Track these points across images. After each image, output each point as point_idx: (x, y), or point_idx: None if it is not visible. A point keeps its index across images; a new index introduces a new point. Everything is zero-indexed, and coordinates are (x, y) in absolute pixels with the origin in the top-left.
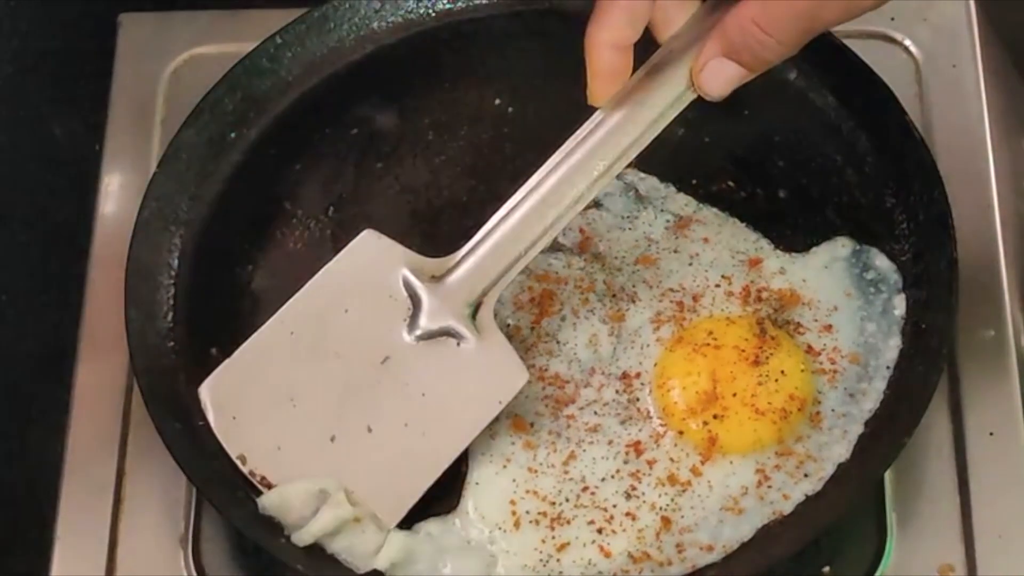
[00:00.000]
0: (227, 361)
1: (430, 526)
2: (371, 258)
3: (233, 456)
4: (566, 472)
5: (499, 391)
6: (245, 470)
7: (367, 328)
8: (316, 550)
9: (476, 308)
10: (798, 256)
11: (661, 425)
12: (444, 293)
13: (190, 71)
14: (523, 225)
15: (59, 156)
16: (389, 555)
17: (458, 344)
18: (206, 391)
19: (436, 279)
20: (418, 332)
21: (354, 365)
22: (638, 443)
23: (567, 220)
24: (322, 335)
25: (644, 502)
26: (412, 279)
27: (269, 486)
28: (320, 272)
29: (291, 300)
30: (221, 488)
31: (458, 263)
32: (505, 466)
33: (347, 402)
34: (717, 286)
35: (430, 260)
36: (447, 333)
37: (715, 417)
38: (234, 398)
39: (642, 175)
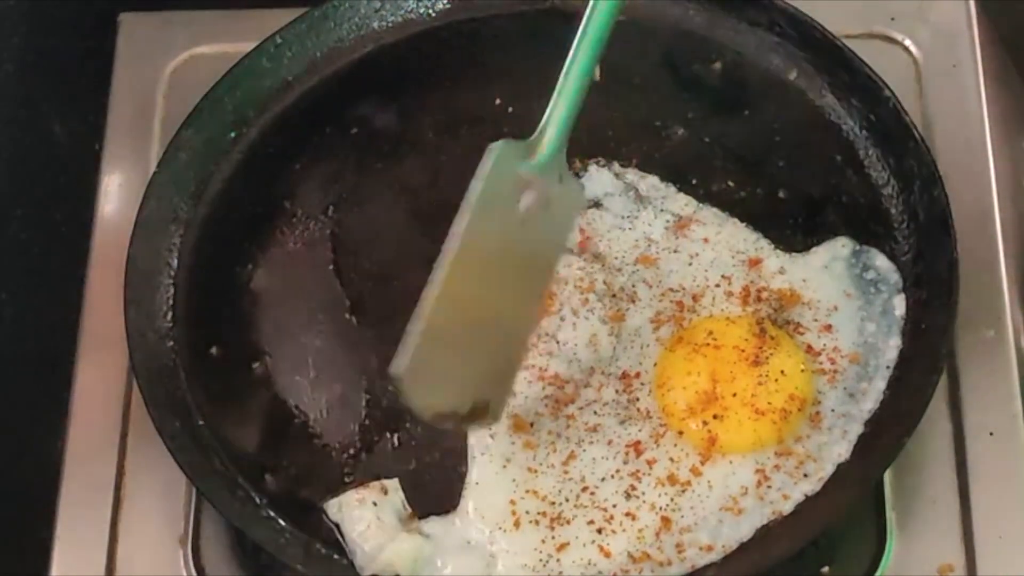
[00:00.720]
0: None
1: (430, 526)
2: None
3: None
4: (566, 472)
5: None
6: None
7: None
8: (315, 550)
9: None
10: (798, 256)
11: (661, 425)
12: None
13: (190, 70)
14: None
15: (59, 155)
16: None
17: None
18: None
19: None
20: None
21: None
22: (638, 443)
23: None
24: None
25: (644, 502)
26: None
27: None
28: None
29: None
30: (221, 488)
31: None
32: (505, 466)
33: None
34: (717, 286)
35: (525, 143)
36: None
37: (715, 417)
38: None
39: (642, 175)
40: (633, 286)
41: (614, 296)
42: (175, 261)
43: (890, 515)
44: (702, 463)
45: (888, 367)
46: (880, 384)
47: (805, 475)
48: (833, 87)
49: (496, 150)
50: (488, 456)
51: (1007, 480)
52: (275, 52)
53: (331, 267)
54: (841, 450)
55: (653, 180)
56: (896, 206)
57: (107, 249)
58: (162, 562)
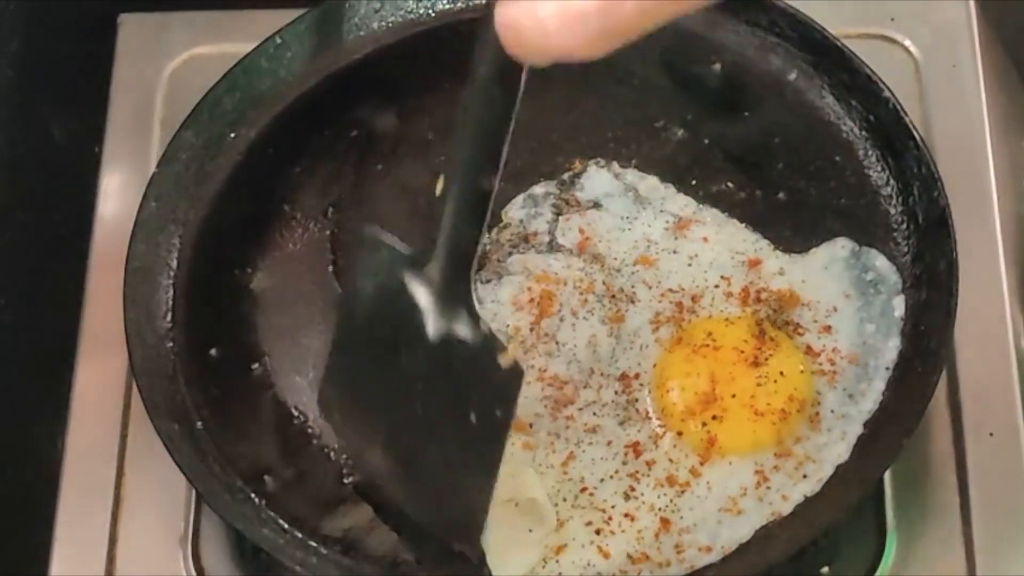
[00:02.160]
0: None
1: None
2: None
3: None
4: (565, 473)
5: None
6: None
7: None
8: (315, 550)
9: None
10: (797, 257)
11: (660, 426)
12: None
13: (189, 71)
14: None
15: (58, 156)
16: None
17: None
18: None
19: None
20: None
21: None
22: (637, 444)
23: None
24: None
25: (643, 503)
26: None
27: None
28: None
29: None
30: (220, 489)
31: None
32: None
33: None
34: (716, 287)
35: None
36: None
37: (714, 418)
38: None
39: (642, 175)
40: (632, 287)
41: (613, 297)
42: (175, 262)
43: (890, 516)
44: (701, 464)
45: (888, 368)
46: (880, 385)
47: (804, 476)
48: (833, 88)
49: (378, 248)
50: None
51: (1007, 480)
52: (275, 53)
53: (330, 268)
54: (840, 451)
55: (653, 181)
56: (896, 207)
57: (107, 250)
58: (162, 562)
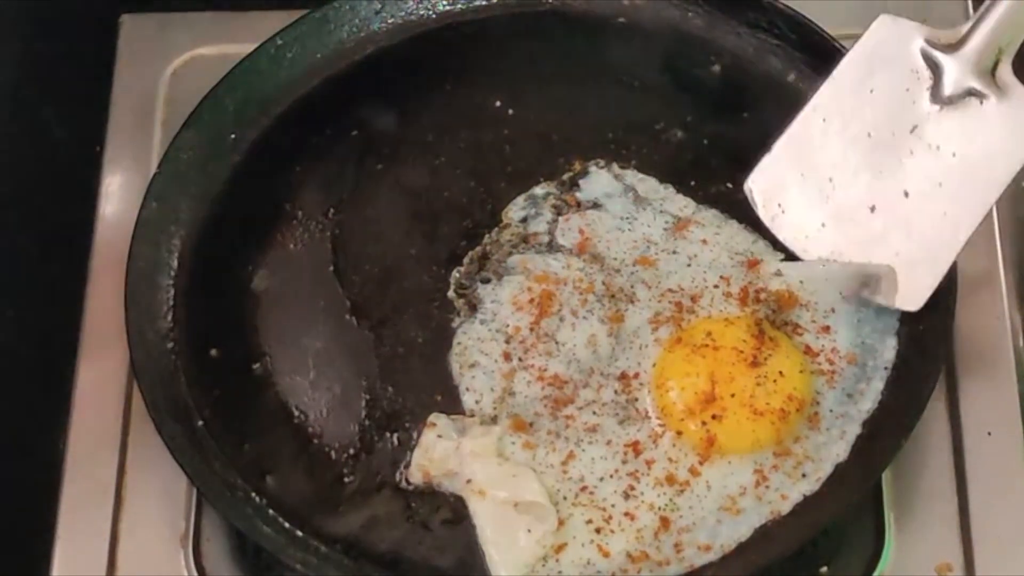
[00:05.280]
0: (767, 155)
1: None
2: (888, 37)
3: (790, 247)
4: (565, 472)
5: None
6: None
7: (893, 103)
8: (316, 550)
9: (995, 66)
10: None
11: (659, 425)
12: (964, 57)
13: (191, 72)
14: None
15: (59, 156)
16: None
17: (981, 103)
18: (752, 185)
19: (953, 47)
20: (943, 97)
21: (885, 139)
22: (636, 443)
23: None
24: (851, 117)
25: (642, 502)
26: (930, 50)
27: None
28: (842, 60)
29: (819, 91)
30: (221, 488)
31: (972, 28)
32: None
33: (883, 173)
34: (716, 287)
35: (944, 31)
36: (971, 94)
37: (713, 418)
38: (777, 188)
39: (641, 176)
40: (632, 287)
41: (613, 297)
42: (175, 262)
43: (888, 515)
44: (700, 463)
45: (886, 368)
46: (878, 385)
47: (803, 475)
48: None
49: (886, 22)
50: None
51: (1005, 480)
52: (276, 53)
53: (331, 268)
54: (839, 450)
55: (652, 181)
56: None
57: (108, 250)
58: (163, 562)
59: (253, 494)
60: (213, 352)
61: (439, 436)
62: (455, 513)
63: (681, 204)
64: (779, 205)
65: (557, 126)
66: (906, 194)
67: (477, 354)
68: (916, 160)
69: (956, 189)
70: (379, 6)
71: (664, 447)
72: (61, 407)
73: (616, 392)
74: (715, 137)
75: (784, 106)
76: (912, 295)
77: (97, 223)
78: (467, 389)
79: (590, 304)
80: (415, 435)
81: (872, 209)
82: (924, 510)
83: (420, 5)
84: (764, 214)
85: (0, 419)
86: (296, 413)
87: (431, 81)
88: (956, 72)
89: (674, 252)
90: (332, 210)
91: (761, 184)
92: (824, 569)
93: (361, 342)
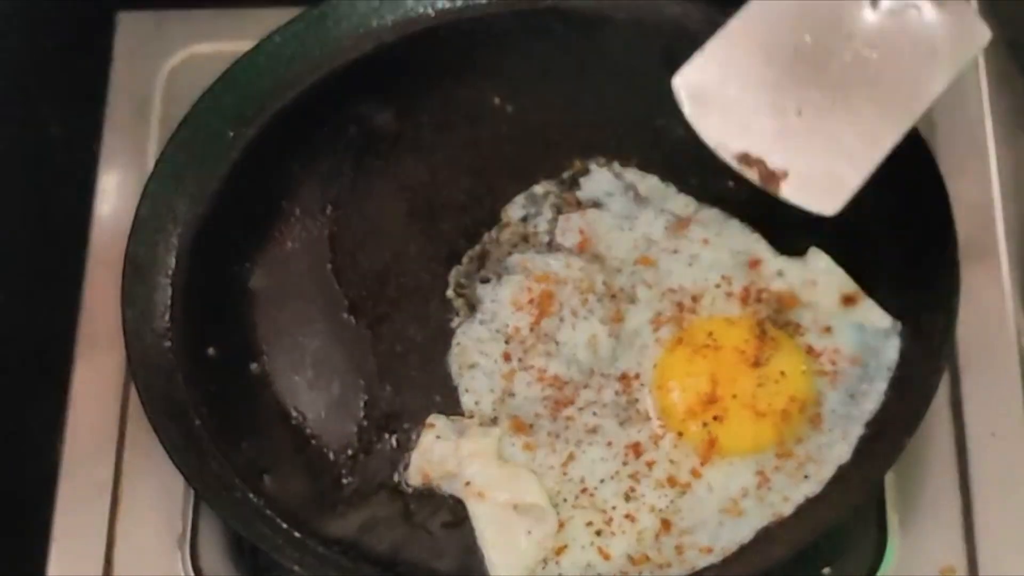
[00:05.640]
0: (698, 54)
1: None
2: None
3: (709, 144)
4: (565, 473)
5: (957, 54)
6: (729, 157)
7: (830, 8)
8: (313, 550)
9: None
10: (798, 257)
11: (660, 426)
12: None
13: (188, 69)
14: None
15: (56, 154)
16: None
17: (920, 11)
18: (679, 80)
19: None
20: (880, 4)
21: (819, 43)
22: (637, 444)
23: None
24: (787, 20)
25: (643, 504)
26: None
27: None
28: None
29: None
30: (218, 489)
31: None
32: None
33: (814, 77)
34: (717, 287)
35: None
36: (908, 2)
37: (715, 419)
38: (706, 86)
39: (642, 175)
40: (633, 287)
41: (614, 297)
42: (173, 261)
43: (891, 516)
44: (702, 465)
45: (889, 368)
46: (881, 385)
47: (806, 477)
48: None
49: None
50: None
51: (1009, 481)
52: (273, 51)
53: (329, 267)
54: (842, 451)
55: (653, 180)
56: (896, 206)
57: (105, 249)
58: (160, 563)
59: (250, 494)
60: (210, 351)
61: (438, 437)
62: (454, 515)
63: (682, 203)
64: (706, 103)
65: (557, 124)
66: (834, 100)
67: (476, 354)
68: (848, 66)
69: (885, 96)
70: (377, 3)
71: (665, 448)
72: (57, 406)
73: (617, 393)
74: None
75: None
76: (830, 198)
77: (94, 221)
78: (466, 390)
79: (590, 304)
80: (414, 436)
81: (799, 113)
82: (927, 512)
83: (419, 2)
84: (689, 111)
85: None
86: (294, 413)
87: (430, 79)
88: None
89: (675, 251)
90: (330, 208)
91: (690, 81)
92: (826, 571)
93: (359, 340)
